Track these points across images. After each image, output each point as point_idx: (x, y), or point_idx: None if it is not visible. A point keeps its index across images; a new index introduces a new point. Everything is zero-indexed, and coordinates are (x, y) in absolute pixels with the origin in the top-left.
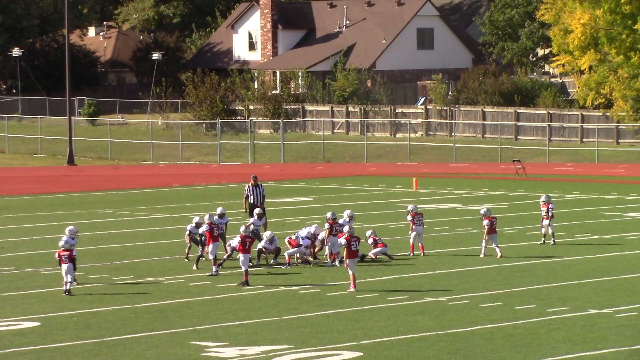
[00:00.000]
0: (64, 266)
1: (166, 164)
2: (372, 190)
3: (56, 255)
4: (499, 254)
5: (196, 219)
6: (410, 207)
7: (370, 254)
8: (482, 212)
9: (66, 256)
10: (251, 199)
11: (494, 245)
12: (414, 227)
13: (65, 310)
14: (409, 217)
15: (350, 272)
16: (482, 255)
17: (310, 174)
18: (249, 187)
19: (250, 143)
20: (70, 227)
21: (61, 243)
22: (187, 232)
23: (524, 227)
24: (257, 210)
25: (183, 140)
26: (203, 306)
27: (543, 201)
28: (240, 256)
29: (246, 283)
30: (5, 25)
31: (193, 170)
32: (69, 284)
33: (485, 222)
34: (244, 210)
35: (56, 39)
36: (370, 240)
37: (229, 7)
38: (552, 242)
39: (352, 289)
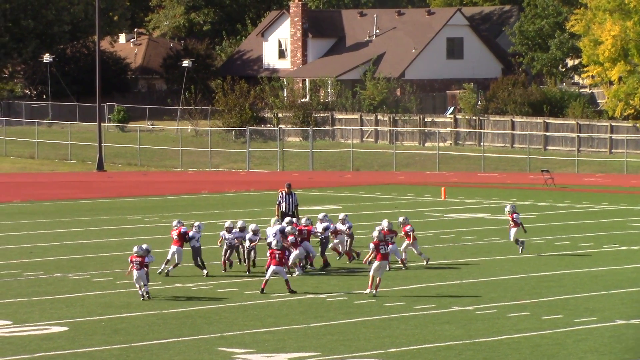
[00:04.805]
0: (135, 273)
1: (195, 170)
2: (401, 199)
3: (129, 259)
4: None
5: (227, 224)
6: (401, 219)
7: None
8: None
9: (138, 262)
10: (283, 207)
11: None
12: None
13: (94, 315)
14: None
15: (371, 273)
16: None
17: (338, 182)
18: (282, 194)
19: (279, 151)
20: (144, 245)
21: (135, 249)
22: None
23: (552, 237)
24: (287, 219)
25: (212, 147)
26: (231, 313)
27: (508, 211)
28: (275, 268)
29: (291, 291)
30: (36, 31)
31: (222, 177)
32: (143, 289)
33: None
34: (276, 217)
35: (87, 45)
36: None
37: (259, 15)
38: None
39: (368, 290)
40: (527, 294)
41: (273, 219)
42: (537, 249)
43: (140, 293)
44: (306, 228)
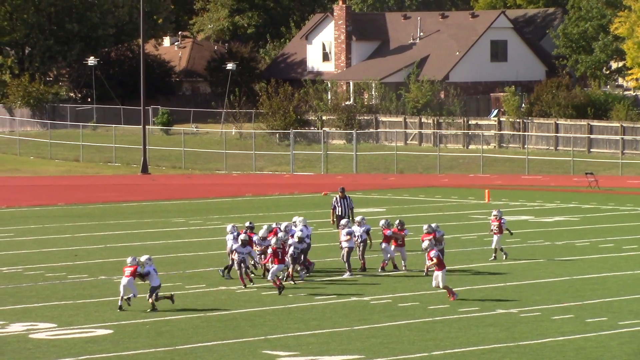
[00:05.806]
0: (124, 279)
1: (239, 173)
2: (445, 202)
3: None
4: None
5: (241, 236)
6: (432, 225)
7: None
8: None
9: (129, 271)
10: (338, 211)
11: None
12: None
13: (138, 318)
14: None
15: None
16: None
17: (382, 184)
18: (336, 198)
19: (323, 153)
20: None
21: (129, 260)
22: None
23: (596, 239)
24: (343, 221)
25: (256, 150)
26: (275, 315)
27: (495, 216)
28: (274, 267)
29: (280, 288)
30: (81, 35)
31: (266, 180)
32: (122, 299)
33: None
34: (331, 222)
35: (131, 49)
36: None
37: (303, 18)
38: (500, 257)
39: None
40: (571, 297)
41: (299, 219)
42: (582, 251)
43: (119, 304)
44: (400, 233)
